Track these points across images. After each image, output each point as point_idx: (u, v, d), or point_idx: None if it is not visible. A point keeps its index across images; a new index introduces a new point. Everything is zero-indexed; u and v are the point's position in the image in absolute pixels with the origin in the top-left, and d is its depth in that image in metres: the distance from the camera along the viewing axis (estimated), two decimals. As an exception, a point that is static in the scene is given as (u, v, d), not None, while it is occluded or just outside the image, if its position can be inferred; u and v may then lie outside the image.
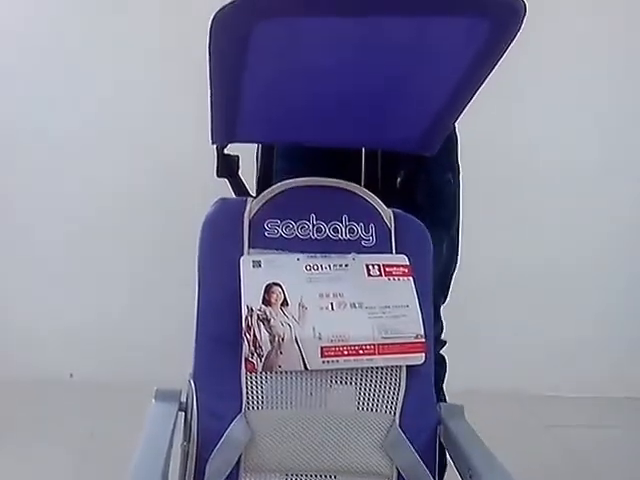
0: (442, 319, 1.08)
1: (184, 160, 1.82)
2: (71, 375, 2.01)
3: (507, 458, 0.72)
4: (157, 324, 1.98)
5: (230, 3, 0.60)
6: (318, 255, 0.80)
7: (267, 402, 0.75)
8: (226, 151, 0.88)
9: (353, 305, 0.77)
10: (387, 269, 0.81)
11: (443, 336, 1.07)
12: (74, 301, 2.01)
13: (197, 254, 0.80)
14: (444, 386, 1.19)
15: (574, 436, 1.94)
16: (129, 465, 0.65)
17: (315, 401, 0.76)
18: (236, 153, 0.89)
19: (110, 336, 1.99)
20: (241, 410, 0.74)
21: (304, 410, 0.75)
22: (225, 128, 0.78)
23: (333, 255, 0.80)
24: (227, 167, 0.88)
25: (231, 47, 0.64)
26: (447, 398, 1.16)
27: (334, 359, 0.76)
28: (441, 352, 1.16)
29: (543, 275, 2.13)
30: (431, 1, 0.63)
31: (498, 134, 1.93)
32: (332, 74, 0.70)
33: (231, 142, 0.84)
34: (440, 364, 1.21)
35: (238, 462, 0.72)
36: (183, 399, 0.76)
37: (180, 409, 0.75)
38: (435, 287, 1.09)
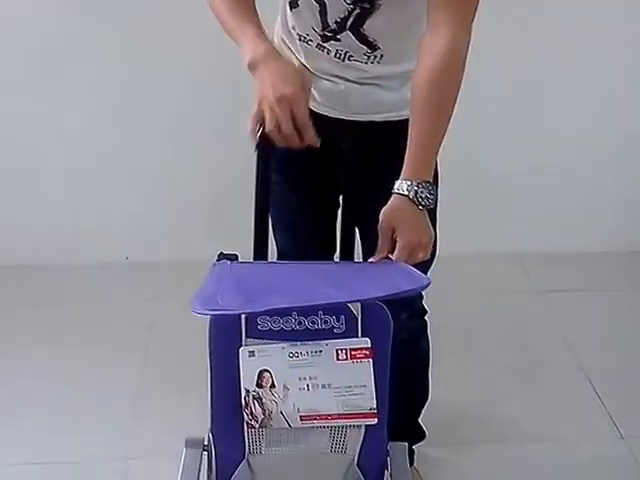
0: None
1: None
2: (127, 258, 2.37)
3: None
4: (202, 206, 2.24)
5: None
6: (299, 343, 1.05)
7: (262, 449, 1.07)
8: None
9: (324, 386, 1.04)
10: (352, 352, 1.05)
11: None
12: (127, 190, 2.30)
13: (207, 342, 1.05)
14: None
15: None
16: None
17: (299, 445, 1.07)
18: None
19: (159, 221, 2.30)
20: (244, 456, 1.06)
21: (290, 451, 1.07)
22: None
23: (310, 343, 1.05)
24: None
25: None
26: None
27: (310, 422, 1.05)
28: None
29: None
30: None
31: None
32: None
33: None
34: (422, 332, 1.49)
35: (245, 493, 1.07)
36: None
37: (204, 449, 1.07)
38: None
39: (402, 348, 1.08)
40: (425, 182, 1.06)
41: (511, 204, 2.38)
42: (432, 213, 1.18)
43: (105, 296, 2.24)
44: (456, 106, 1.07)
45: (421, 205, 1.06)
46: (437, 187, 1.19)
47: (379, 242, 1.08)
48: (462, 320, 2.13)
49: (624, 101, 2.28)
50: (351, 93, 1.19)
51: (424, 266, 1.25)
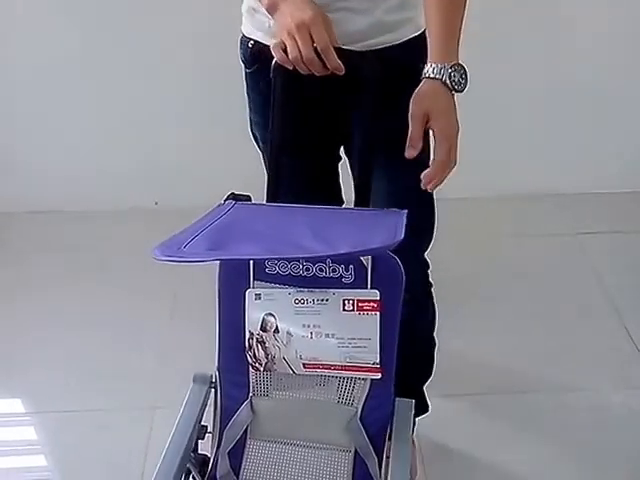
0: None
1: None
2: (156, 203, 2.41)
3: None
4: (223, 152, 2.23)
5: None
6: (305, 290, 1.02)
7: (267, 391, 1.07)
8: None
9: (327, 335, 1.01)
10: (360, 304, 1.01)
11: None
12: (153, 139, 2.34)
13: (216, 285, 1.05)
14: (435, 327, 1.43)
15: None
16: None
17: (304, 393, 1.06)
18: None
19: (187, 167, 2.33)
20: (248, 397, 1.06)
21: (294, 397, 1.06)
22: None
23: (317, 290, 1.02)
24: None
25: None
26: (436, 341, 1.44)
27: (313, 370, 1.03)
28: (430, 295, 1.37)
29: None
30: None
31: None
32: None
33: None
34: (422, 310, 1.39)
35: (245, 432, 1.07)
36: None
37: (210, 387, 1.09)
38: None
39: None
40: (455, 65, 1.01)
41: (541, 144, 2.30)
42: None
43: (132, 241, 2.19)
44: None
45: (454, 89, 1.01)
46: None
47: (411, 132, 1.01)
48: (492, 265, 2.08)
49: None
50: None
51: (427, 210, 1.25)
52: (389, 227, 0.91)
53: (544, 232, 2.23)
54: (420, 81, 1.02)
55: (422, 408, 1.47)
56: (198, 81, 2.23)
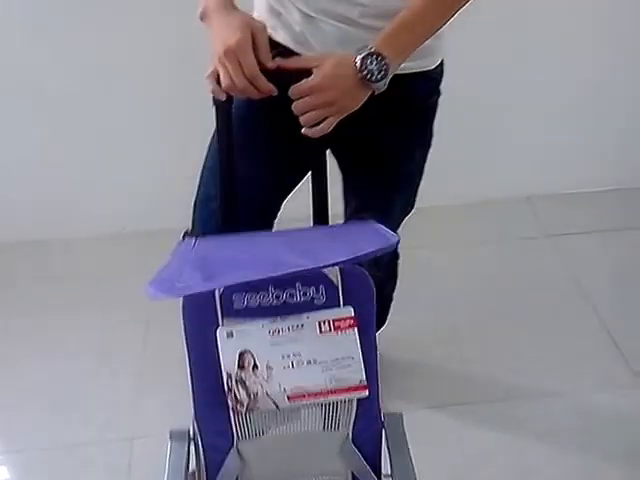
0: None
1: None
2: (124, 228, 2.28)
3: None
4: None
5: None
6: (278, 318, 0.99)
7: (251, 433, 1.01)
8: None
9: (309, 362, 0.98)
10: (336, 323, 0.99)
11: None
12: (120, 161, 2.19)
13: (182, 326, 0.99)
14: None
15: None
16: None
17: (289, 427, 1.02)
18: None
19: (153, 190, 2.20)
20: (233, 443, 1.00)
21: (281, 434, 1.01)
22: None
23: (290, 317, 0.99)
24: None
25: None
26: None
27: (298, 401, 0.99)
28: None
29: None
30: None
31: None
32: None
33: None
34: (390, 278, 1.56)
35: (236, 480, 1.01)
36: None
37: (189, 443, 1.01)
38: (401, 198, 1.29)
39: None
40: (382, 56, 0.97)
41: (512, 147, 2.28)
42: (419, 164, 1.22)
43: (103, 269, 2.15)
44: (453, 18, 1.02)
45: (363, 76, 0.96)
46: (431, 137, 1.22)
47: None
48: (468, 271, 2.06)
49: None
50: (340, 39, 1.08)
51: (401, 214, 1.32)
52: (371, 232, 0.90)
53: (517, 236, 2.23)
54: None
55: None
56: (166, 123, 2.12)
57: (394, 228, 1.35)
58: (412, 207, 1.37)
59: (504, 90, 2.16)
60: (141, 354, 1.86)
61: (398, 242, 0.85)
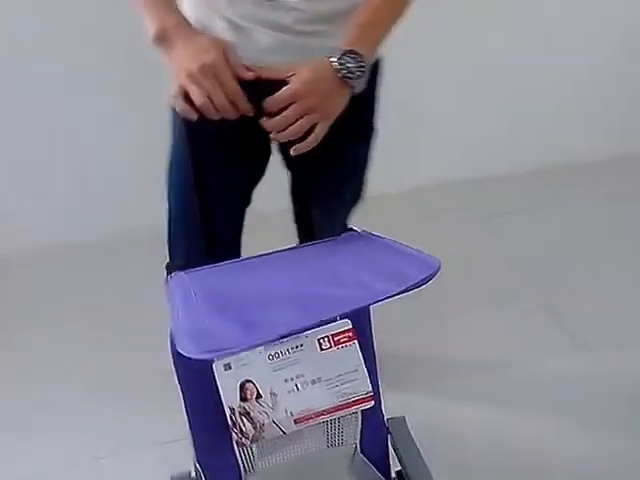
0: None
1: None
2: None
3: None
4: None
5: None
6: (276, 342, 0.93)
7: (257, 464, 0.96)
8: None
9: (314, 381, 0.94)
10: (335, 338, 0.95)
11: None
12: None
13: (172, 363, 0.91)
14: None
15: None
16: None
17: (293, 450, 0.98)
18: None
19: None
20: (241, 477, 0.95)
21: (288, 458, 0.97)
22: None
23: (288, 339, 0.93)
24: None
25: None
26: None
27: (305, 422, 0.95)
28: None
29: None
30: None
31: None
32: None
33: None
34: None
35: (248, 517, 0.96)
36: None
37: (192, 485, 0.95)
38: (351, 189, 1.27)
39: None
40: (357, 54, 0.93)
41: (440, 134, 2.32)
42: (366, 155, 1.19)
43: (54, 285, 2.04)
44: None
45: (344, 76, 0.93)
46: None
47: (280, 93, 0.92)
48: None
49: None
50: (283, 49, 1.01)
51: (351, 206, 1.29)
52: (398, 253, 0.86)
53: (456, 219, 2.27)
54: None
55: None
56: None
57: (345, 219, 1.34)
58: (361, 198, 1.35)
59: (431, 76, 2.18)
60: (97, 370, 1.77)
61: (439, 267, 0.82)
